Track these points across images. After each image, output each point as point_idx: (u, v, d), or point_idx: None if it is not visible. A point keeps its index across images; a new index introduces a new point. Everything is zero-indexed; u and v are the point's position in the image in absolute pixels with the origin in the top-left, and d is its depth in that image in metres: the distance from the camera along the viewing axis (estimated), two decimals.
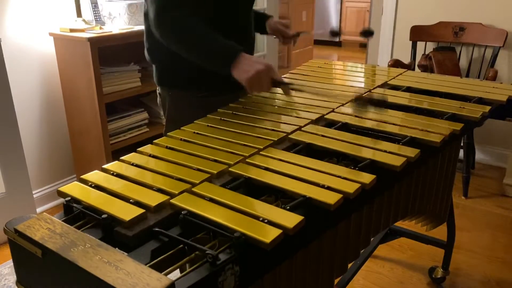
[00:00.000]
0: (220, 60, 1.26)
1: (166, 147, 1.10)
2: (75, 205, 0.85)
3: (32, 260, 0.75)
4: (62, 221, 0.80)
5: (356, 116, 1.30)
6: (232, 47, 1.25)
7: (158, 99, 1.54)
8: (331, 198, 0.86)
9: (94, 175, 0.96)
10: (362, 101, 1.26)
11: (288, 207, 0.84)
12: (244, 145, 1.10)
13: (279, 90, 1.58)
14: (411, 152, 1.07)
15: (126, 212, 0.81)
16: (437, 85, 1.61)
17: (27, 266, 0.79)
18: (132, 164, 1.01)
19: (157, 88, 1.52)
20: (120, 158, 1.05)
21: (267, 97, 1.48)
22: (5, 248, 2.19)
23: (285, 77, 1.72)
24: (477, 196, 2.68)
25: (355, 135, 1.16)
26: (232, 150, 1.07)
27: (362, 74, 1.82)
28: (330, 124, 1.26)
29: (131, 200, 0.85)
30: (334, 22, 6.88)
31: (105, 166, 1.00)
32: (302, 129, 1.21)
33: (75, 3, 2.39)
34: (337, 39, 7.02)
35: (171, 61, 1.38)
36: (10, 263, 2.09)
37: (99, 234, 0.79)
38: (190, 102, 1.43)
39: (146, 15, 1.39)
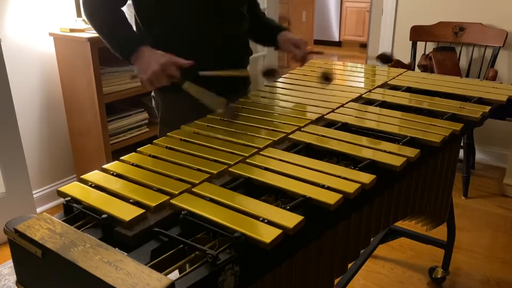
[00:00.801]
0: (119, 52, 1.27)
1: (166, 147, 1.10)
2: (75, 205, 0.85)
3: (32, 260, 0.75)
4: (62, 221, 0.80)
5: (356, 117, 1.30)
6: (131, 42, 1.25)
7: (153, 101, 1.52)
8: (331, 198, 0.86)
9: (94, 175, 0.96)
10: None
11: (288, 207, 0.84)
12: (244, 145, 1.10)
13: (279, 90, 1.58)
14: (411, 152, 1.07)
15: (126, 212, 0.81)
16: (437, 85, 1.61)
17: (27, 266, 0.79)
18: (132, 164, 1.01)
19: (152, 91, 1.51)
20: (120, 158, 1.05)
21: (267, 97, 1.48)
22: (5, 248, 2.19)
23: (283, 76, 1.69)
24: (477, 196, 2.68)
25: (355, 135, 1.16)
26: (232, 150, 1.07)
27: (362, 74, 1.82)
28: (330, 124, 1.26)
29: (131, 200, 0.85)
30: (334, 22, 6.88)
31: (105, 166, 1.00)
32: (302, 129, 1.21)
33: (75, 3, 2.39)
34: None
35: None
36: (10, 263, 2.09)
37: (99, 234, 0.79)
38: (182, 105, 1.39)
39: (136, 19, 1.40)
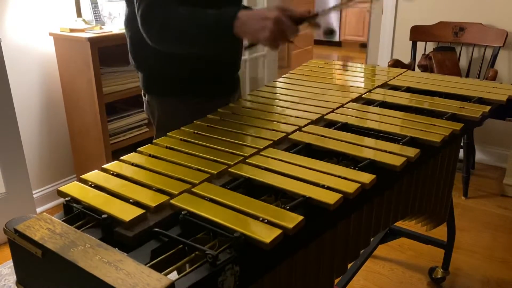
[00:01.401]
0: (221, 32, 1.10)
1: (166, 147, 1.10)
2: (75, 205, 0.85)
3: (32, 260, 0.75)
4: (62, 221, 0.80)
5: (356, 117, 1.30)
6: (225, 13, 1.09)
7: (145, 106, 1.45)
8: (331, 198, 0.86)
9: (94, 175, 0.96)
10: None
11: (288, 207, 0.84)
12: (244, 145, 1.10)
13: (279, 90, 1.58)
14: (411, 152, 1.07)
15: (126, 213, 0.81)
16: (437, 85, 1.61)
17: (27, 266, 0.79)
18: (132, 164, 1.01)
19: (144, 95, 1.44)
20: (120, 158, 1.05)
21: (267, 97, 1.48)
22: (5, 248, 2.19)
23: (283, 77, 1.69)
24: (477, 196, 2.68)
25: (355, 135, 1.16)
26: (232, 150, 1.07)
27: (362, 74, 1.82)
28: (330, 124, 1.26)
29: (131, 200, 0.85)
30: (334, 22, 6.88)
31: (105, 166, 1.00)
32: (302, 129, 1.21)
33: (75, 3, 2.39)
34: (335, 39, 7.01)
35: (161, 68, 1.32)
36: (10, 263, 2.09)
37: (99, 234, 0.79)
38: (181, 109, 1.36)
39: (128, 21, 1.32)
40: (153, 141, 1.15)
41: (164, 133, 1.20)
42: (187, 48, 1.20)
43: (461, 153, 2.52)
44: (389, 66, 2.79)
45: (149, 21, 1.15)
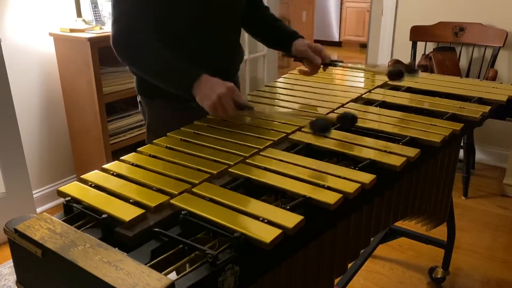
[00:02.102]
0: (178, 85, 1.22)
1: (166, 147, 1.10)
2: (75, 205, 0.85)
3: (32, 260, 0.75)
4: (62, 221, 0.80)
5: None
6: (190, 72, 1.20)
7: (139, 107, 1.46)
8: (331, 198, 0.86)
9: (94, 175, 0.96)
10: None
11: (288, 207, 0.84)
12: (244, 145, 1.10)
13: (279, 90, 1.58)
14: (411, 152, 1.07)
15: (126, 212, 0.81)
16: (437, 85, 1.61)
17: (27, 266, 0.79)
18: (132, 164, 1.01)
19: (138, 96, 1.45)
20: (120, 158, 1.05)
21: (267, 97, 1.48)
22: (5, 248, 2.19)
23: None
24: (477, 196, 2.68)
25: (355, 135, 1.16)
26: (232, 151, 1.07)
27: (362, 74, 1.82)
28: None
29: (131, 200, 0.85)
30: (334, 22, 6.88)
31: (105, 166, 1.00)
32: (302, 129, 1.21)
33: (75, 3, 2.39)
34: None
35: None
36: (10, 263, 2.09)
37: (99, 234, 0.79)
38: (171, 112, 1.36)
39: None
40: (146, 142, 1.18)
41: (153, 135, 1.21)
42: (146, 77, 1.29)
43: (461, 153, 2.51)
44: (389, 66, 2.79)
45: (117, 46, 1.24)
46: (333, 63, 1.46)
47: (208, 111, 1.19)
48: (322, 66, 1.45)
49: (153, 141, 1.13)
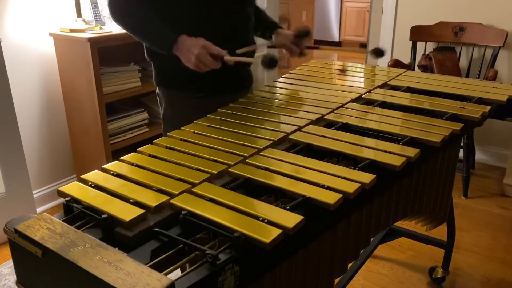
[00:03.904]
0: (159, 47, 1.33)
1: (166, 147, 1.10)
2: (75, 205, 0.85)
3: (32, 260, 0.75)
4: (62, 221, 0.80)
5: (356, 117, 1.30)
6: (169, 35, 1.30)
7: (158, 99, 1.55)
8: (331, 198, 0.86)
9: (94, 175, 0.96)
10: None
11: (288, 207, 0.84)
12: (244, 145, 1.10)
13: (279, 90, 1.58)
14: (411, 152, 1.07)
15: (126, 212, 0.81)
16: (437, 85, 1.61)
17: (27, 266, 0.79)
18: (132, 164, 1.01)
19: (156, 88, 1.53)
20: (120, 158, 1.05)
21: (267, 97, 1.48)
22: (5, 248, 2.19)
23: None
24: (477, 196, 2.68)
25: (355, 135, 1.16)
26: (232, 150, 1.07)
27: (362, 74, 1.82)
28: (330, 124, 1.26)
29: (131, 200, 0.85)
30: (334, 22, 6.88)
31: (105, 166, 1.00)
32: (302, 129, 1.21)
33: (75, 3, 2.39)
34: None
35: (169, 62, 1.38)
36: (10, 263, 2.09)
37: (99, 234, 0.79)
38: (186, 103, 1.44)
39: None
40: (161, 134, 1.27)
41: (169, 126, 1.32)
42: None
43: (461, 153, 2.51)
44: (389, 66, 2.79)
45: (112, 8, 1.37)
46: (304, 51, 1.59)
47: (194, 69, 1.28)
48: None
49: (153, 141, 1.13)
